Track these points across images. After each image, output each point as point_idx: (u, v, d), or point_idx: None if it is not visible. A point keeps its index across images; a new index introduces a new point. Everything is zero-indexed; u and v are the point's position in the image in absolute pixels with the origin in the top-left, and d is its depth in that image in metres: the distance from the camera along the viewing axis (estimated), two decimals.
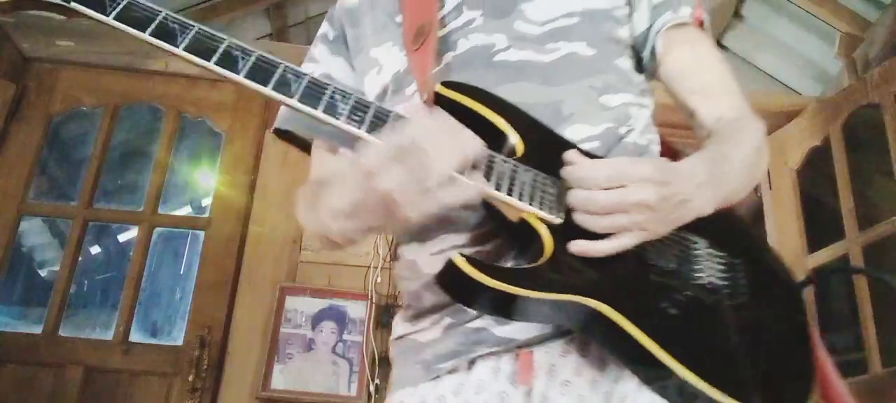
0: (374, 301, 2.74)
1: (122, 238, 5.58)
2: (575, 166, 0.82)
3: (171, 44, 0.80)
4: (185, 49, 0.81)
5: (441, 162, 0.74)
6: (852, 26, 3.21)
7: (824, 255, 2.89)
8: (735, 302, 0.88)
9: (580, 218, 0.80)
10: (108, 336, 2.82)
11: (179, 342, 2.81)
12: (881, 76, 2.80)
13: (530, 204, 0.82)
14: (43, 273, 5.47)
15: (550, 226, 0.82)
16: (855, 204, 2.80)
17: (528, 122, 0.88)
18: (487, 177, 0.80)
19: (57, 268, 3.04)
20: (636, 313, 0.80)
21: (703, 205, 0.84)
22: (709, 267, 0.88)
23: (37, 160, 2.99)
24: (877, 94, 2.79)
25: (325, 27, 1.16)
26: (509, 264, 0.87)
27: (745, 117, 0.98)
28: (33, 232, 5.18)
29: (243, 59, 0.84)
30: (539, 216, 0.82)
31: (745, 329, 0.86)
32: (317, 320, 2.72)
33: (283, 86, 0.85)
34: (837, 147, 2.91)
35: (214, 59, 0.81)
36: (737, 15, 3.70)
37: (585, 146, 0.90)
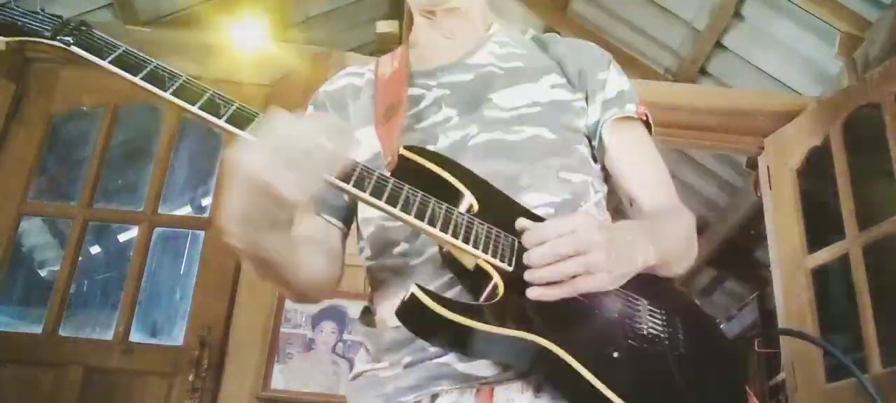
0: None
1: (122, 238, 5.57)
2: (528, 230, 0.90)
3: (159, 88, 0.88)
4: (173, 93, 0.89)
5: (306, 142, 0.79)
6: (852, 26, 3.21)
7: (824, 255, 2.89)
8: (675, 353, 0.95)
9: (535, 274, 0.87)
10: (108, 336, 2.82)
11: (179, 342, 2.81)
12: (881, 76, 2.80)
13: (485, 252, 0.89)
14: (43, 273, 5.46)
15: (503, 273, 0.89)
16: (855, 204, 2.80)
17: (486, 188, 0.98)
18: (445, 227, 0.88)
19: (57, 268, 3.04)
20: (583, 352, 0.87)
21: (647, 253, 0.95)
22: (651, 321, 0.96)
23: (37, 160, 2.99)
24: (877, 94, 2.79)
25: (309, 110, 1.23)
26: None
27: (678, 208, 1.11)
28: (33, 232, 5.17)
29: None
30: (492, 263, 0.89)
31: (684, 377, 0.94)
32: (317, 320, 2.72)
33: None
34: (837, 147, 2.91)
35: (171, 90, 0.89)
36: (737, 15, 3.70)
37: (541, 211, 0.99)
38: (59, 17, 0.90)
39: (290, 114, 0.82)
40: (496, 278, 0.89)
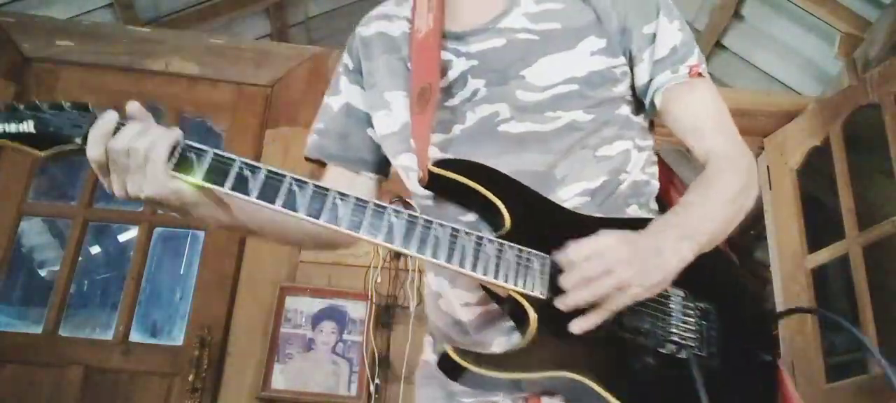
0: (374, 301, 2.74)
1: (122, 238, 5.58)
2: (561, 256, 0.92)
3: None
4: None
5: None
6: (852, 26, 3.21)
7: (824, 255, 2.89)
8: (705, 354, 0.98)
9: (568, 300, 0.89)
10: (108, 336, 2.82)
11: (179, 342, 2.81)
12: (881, 76, 2.80)
13: (514, 284, 0.92)
14: (43, 273, 5.47)
15: (536, 301, 0.92)
16: (855, 204, 2.80)
17: (517, 192, 0.99)
18: (475, 264, 0.91)
19: (57, 268, 3.05)
20: (613, 380, 0.92)
21: (680, 251, 0.93)
22: (681, 321, 0.98)
23: (37, 160, 2.98)
24: (877, 94, 2.79)
25: (344, 57, 1.24)
26: (510, 324, 1.00)
27: (730, 156, 1.05)
28: (33, 232, 5.18)
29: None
30: (523, 293, 0.92)
31: (714, 380, 0.95)
32: (317, 320, 2.72)
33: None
34: (837, 147, 2.91)
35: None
36: (737, 15, 3.70)
37: (576, 201, 1.02)
38: (86, 107, 0.94)
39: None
40: (528, 307, 0.92)
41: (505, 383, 0.93)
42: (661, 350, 0.95)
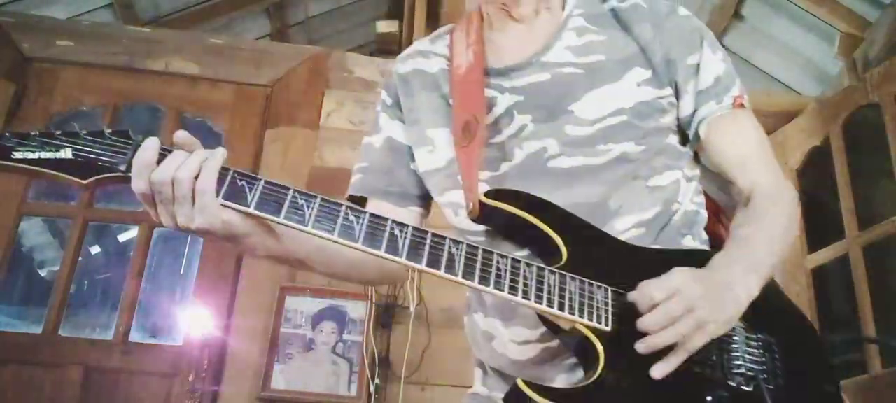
0: (373, 301, 2.74)
1: (122, 238, 5.58)
2: (636, 296, 0.90)
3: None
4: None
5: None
6: (852, 26, 3.22)
7: (824, 255, 2.89)
8: (773, 386, 0.96)
9: (654, 340, 0.88)
10: (108, 336, 2.83)
11: (179, 342, 2.81)
12: (881, 76, 2.80)
13: (580, 316, 0.91)
14: (43, 273, 5.47)
15: (601, 334, 0.91)
16: (855, 204, 2.80)
17: (573, 225, 0.97)
18: (539, 296, 0.90)
19: (57, 268, 3.04)
20: None
21: (748, 285, 0.93)
22: (746, 353, 0.96)
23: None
24: (877, 94, 2.79)
25: (383, 95, 1.23)
26: (571, 360, 0.99)
27: (777, 189, 1.07)
28: (33, 232, 5.18)
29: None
30: (589, 326, 0.91)
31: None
32: (317, 320, 2.72)
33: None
34: (837, 147, 2.91)
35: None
36: (737, 15, 3.70)
37: (632, 233, 1.00)
38: (127, 134, 0.88)
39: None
40: (595, 340, 0.90)
41: None
42: (730, 383, 0.94)
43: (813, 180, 3.08)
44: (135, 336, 2.85)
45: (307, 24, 4.50)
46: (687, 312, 0.86)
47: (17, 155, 0.84)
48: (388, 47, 3.68)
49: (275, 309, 2.70)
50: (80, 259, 2.94)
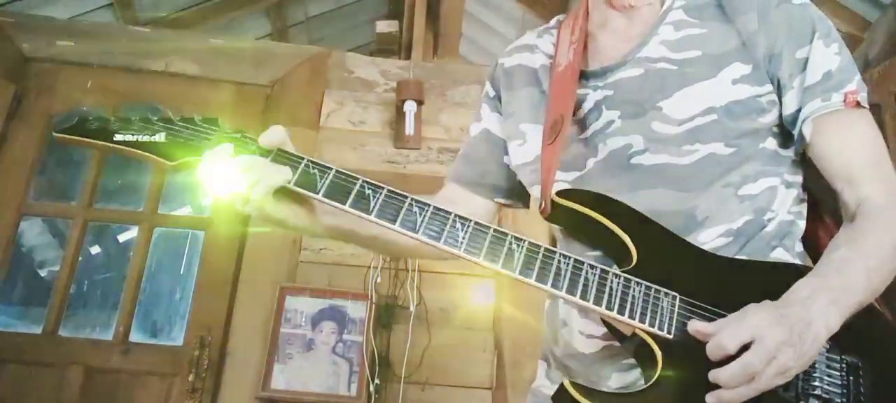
0: (374, 301, 2.74)
1: (122, 238, 5.57)
2: (707, 337, 0.84)
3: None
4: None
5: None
6: (852, 26, 3.21)
7: None
8: None
9: (730, 395, 0.81)
10: (108, 336, 2.83)
11: (179, 342, 2.81)
12: (881, 76, 2.80)
13: (641, 321, 0.89)
14: (43, 273, 5.46)
15: (662, 341, 0.88)
16: None
17: (646, 229, 0.94)
18: (599, 298, 0.88)
19: (57, 268, 3.04)
20: None
21: (828, 320, 0.84)
22: (825, 375, 0.89)
23: (37, 160, 2.99)
24: (877, 94, 2.79)
25: (487, 86, 1.24)
26: (629, 360, 0.96)
27: (889, 207, 0.94)
28: (33, 233, 5.18)
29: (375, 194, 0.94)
30: (649, 332, 0.89)
31: None
32: (317, 320, 2.72)
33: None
34: None
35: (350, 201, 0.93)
36: None
37: (717, 243, 0.95)
38: (216, 121, 0.96)
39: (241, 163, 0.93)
40: (655, 347, 0.88)
41: None
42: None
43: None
44: (135, 337, 2.85)
45: (307, 24, 4.50)
46: (767, 364, 0.79)
47: (119, 137, 0.93)
48: (388, 47, 3.68)
49: (275, 309, 2.70)
50: (80, 259, 2.94)
